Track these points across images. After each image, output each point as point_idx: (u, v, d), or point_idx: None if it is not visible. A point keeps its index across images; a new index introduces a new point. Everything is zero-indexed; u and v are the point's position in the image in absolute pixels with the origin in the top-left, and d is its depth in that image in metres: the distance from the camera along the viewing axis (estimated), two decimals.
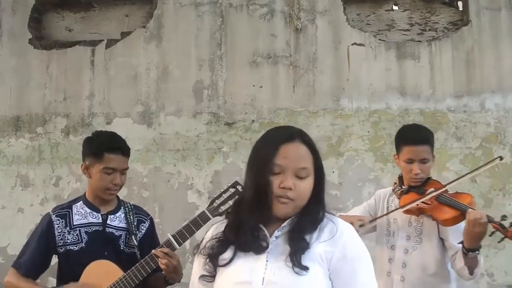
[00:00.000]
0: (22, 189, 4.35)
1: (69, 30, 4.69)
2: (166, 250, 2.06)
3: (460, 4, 4.44)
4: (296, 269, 1.30)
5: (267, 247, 1.37)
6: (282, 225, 1.39)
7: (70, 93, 4.44)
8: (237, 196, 1.99)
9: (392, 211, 2.33)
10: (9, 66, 4.51)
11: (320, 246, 1.35)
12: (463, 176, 2.51)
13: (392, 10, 4.47)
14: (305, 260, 1.32)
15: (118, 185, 2.21)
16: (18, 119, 4.44)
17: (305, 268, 1.30)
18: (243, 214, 1.40)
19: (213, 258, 1.40)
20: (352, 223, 2.20)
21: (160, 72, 4.38)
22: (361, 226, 2.24)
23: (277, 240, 1.38)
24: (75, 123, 4.39)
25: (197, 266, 1.47)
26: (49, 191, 4.32)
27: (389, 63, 4.27)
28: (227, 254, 1.38)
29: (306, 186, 1.38)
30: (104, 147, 2.18)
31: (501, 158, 2.46)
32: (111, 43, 4.45)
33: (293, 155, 1.37)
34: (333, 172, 4.16)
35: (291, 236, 1.36)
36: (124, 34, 4.49)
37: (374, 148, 4.11)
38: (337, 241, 1.36)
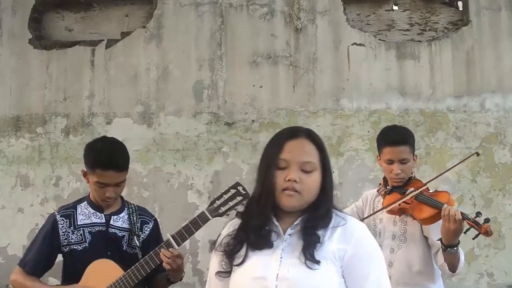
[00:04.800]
0: (22, 189, 4.35)
1: (69, 30, 4.68)
2: (176, 252, 2.08)
3: (460, 4, 4.44)
4: (309, 263, 1.34)
5: (280, 243, 1.41)
6: (295, 222, 1.43)
7: (70, 93, 4.43)
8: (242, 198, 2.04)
9: (376, 212, 2.40)
10: (9, 66, 4.50)
11: (333, 244, 1.39)
12: (441, 174, 2.56)
13: (392, 10, 4.48)
14: (318, 256, 1.36)
15: (112, 197, 2.21)
16: (18, 119, 4.44)
17: (317, 262, 1.34)
18: (252, 213, 1.46)
19: (229, 255, 1.45)
20: None
21: (160, 72, 4.38)
22: None
23: (290, 237, 1.42)
24: (75, 123, 4.39)
25: (213, 263, 1.51)
26: (49, 191, 4.32)
27: (389, 63, 4.27)
28: (241, 252, 1.43)
29: (312, 180, 1.42)
30: (96, 162, 2.16)
31: (477, 154, 2.56)
32: (111, 43, 4.45)
33: (297, 149, 1.43)
34: (333, 172, 4.14)
35: (304, 232, 1.41)
36: (124, 34, 4.49)
37: (374, 148, 4.06)
38: (350, 239, 1.40)
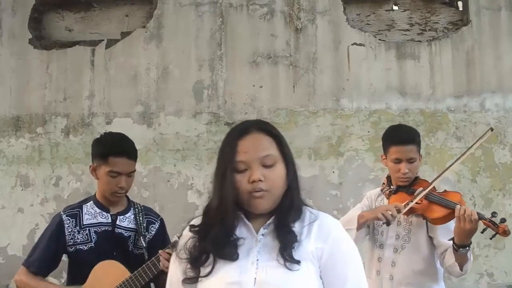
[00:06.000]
0: (22, 189, 4.35)
1: (69, 30, 4.68)
2: (171, 252, 2.05)
3: (460, 4, 4.44)
4: (288, 264, 1.27)
5: (253, 244, 1.33)
6: (268, 222, 1.35)
7: (70, 93, 4.43)
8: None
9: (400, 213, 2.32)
10: (9, 66, 4.50)
11: (311, 243, 1.32)
12: (447, 168, 2.54)
13: (392, 10, 4.48)
14: (297, 256, 1.29)
15: (124, 188, 2.21)
16: (18, 119, 4.44)
17: (297, 262, 1.27)
18: (211, 224, 1.34)
19: (195, 264, 1.33)
20: (389, 210, 2.18)
21: (160, 72, 4.38)
22: (398, 212, 2.23)
23: (264, 238, 1.34)
24: (75, 123, 4.39)
25: (176, 268, 1.39)
26: (49, 191, 4.32)
27: (389, 63, 4.27)
28: (209, 262, 1.32)
29: (277, 173, 1.33)
30: (109, 150, 2.18)
31: (492, 129, 2.48)
32: (111, 43, 4.45)
33: (252, 146, 1.33)
34: (333, 172, 4.16)
35: (278, 231, 1.32)
36: (124, 34, 4.49)
37: (374, 148, 4.11)
38: (327, 238, 1.33)
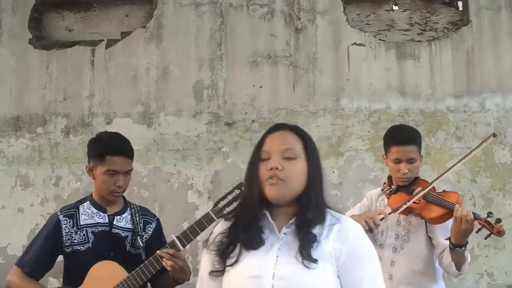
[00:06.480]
0: (22, 189, 4.35)
1: (69, 30, 4.68)
2: (171, 251, 2.06)
3: (460, 4, 4.44)
4: (306, 262, 1.33)
5: (275, 241, 1.40)
6: (290, 221, 1.42)
7: (70, 93, 4.43)
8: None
9: (392, 212, 2.34)
10: (9, 66, 4.50)
11: (329, 244, 1.38)
12: (447, 171, 2.56)
13: (392, 10, 4.47)
14: (315, 255, 1.35)
15: (122, 187, 2.21)
16: (18, 119, 4.44)
17: (315, 261, 1.33)
18: (242, 211, 1.46)
19: (222, 255, 1.42)
20: (373, 218, 2.22)
21: (160, 72, 4.38)
22: (382, 219, 2.25)
23: (286, 236, 1.41)
24: (75, 123, 4.39)
25: (205, 261, 1.49)
26: (49, 191, 4.32)
27: (389, 63, 4.27)
28: (235, 252, 1.41)
29: (296, 167, 1.41)
30: (106, 149, 2.18)
31: (494, 135, 2.53)
32: (111, 43, 4.45)
33: (277, 139, 1.45)
34: (333, 172, 4.16)
35: (299, 231, 1.39)
36: (124, 34, 4.48)
37: (374, 148, 4.11)
38: (346, 239, 1.39)
